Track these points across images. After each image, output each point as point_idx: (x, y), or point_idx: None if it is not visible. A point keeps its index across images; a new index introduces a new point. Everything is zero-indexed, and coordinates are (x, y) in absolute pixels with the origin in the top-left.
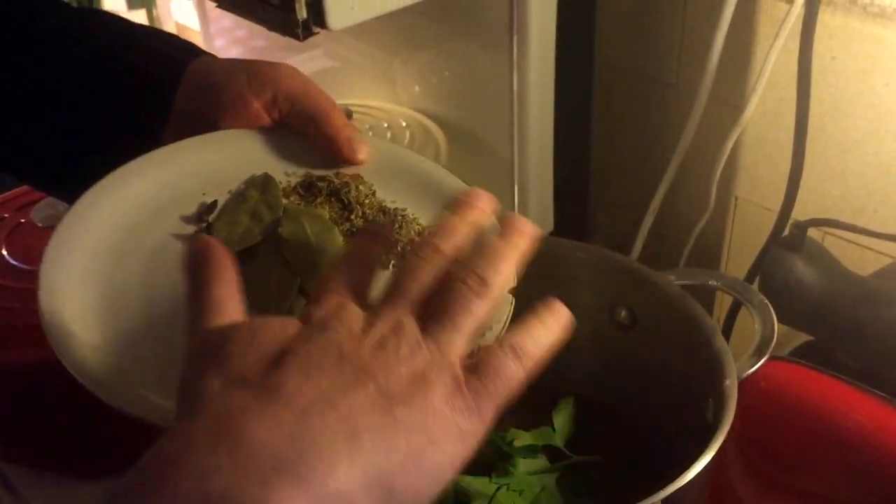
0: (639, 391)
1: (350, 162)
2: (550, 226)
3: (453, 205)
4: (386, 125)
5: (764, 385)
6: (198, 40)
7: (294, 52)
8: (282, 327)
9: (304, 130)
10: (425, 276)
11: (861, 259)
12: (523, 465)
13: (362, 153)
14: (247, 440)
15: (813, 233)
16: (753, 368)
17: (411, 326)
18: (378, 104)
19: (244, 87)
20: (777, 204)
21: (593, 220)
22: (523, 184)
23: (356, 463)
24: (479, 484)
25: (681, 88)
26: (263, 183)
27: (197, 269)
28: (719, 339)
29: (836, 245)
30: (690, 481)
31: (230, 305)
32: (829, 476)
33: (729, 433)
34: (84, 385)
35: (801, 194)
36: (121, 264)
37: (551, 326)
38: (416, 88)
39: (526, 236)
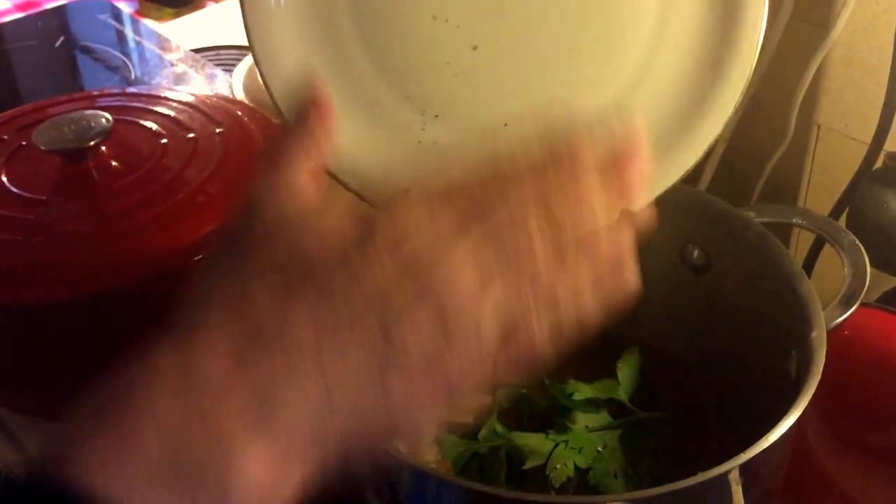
0: (712, 341)
1: None
2: None
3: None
4: None
5: (848, 334)
6: None
7: None
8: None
9: None
10: None
11: None
12: (583, 420)
13: None
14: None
15: None
16: (843, 317)
17: None
18: None
19: None
20: (865, 133)
21: None
22: None
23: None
24: (534, 441)
25: None
26: None
27: None
28: (805, 284)
29: None
30: (773, 444)
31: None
32: None
33: None
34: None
35: None
36: None
37: None
38: None
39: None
